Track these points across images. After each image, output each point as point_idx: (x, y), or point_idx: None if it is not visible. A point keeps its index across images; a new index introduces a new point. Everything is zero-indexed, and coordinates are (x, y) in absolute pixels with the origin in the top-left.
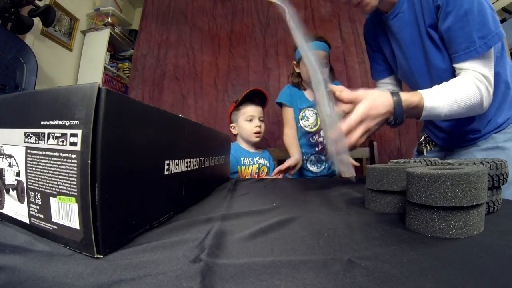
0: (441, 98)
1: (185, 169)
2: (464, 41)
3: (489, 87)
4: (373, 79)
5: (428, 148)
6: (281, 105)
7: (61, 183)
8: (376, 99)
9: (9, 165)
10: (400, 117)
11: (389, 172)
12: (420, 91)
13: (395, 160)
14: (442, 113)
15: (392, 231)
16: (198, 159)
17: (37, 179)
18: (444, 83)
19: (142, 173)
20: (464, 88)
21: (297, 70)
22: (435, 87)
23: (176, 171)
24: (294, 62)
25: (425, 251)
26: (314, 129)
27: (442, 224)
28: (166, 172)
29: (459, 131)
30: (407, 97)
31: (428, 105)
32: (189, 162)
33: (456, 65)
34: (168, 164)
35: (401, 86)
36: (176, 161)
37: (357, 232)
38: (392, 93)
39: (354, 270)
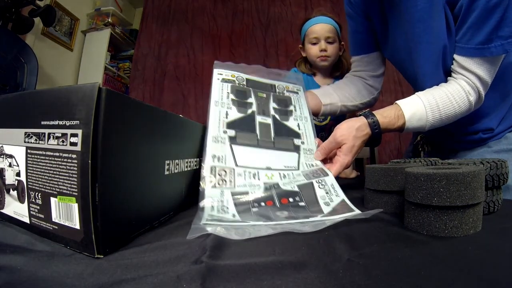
0: (425, 116)
1: (185, 169)
2: (481, 35)
3: (483, 92)
4: (352, 54)
5: (426, 149)
6: None
7: (61, 183)
8: (352, 135)
9: (10, 165)
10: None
11: (386, 172)
12: (401, 106)
13: (395, 160)
14: (425, 129)
15: (389, 230)
16: (198, 159)
17: (38, 179)
18: (433, 94)
19: (142, 173)
20: (453, 104)
21: (303, 54)
22: (420, 98)
23: (176, 171)
24: (300, 46)
25: (419, 249)
26: (324, 123)
27: (437, 223)
28: (166, 172)
29: (466, 129)
30: (385, 120)
31: (410, 126)
32: (189, 162)
33: (458, 57)
34: (168, 164)
35: (384, 69)
36: (176, 161)
37: (356, 231)
38: (366, 116)
39: (353, 269)
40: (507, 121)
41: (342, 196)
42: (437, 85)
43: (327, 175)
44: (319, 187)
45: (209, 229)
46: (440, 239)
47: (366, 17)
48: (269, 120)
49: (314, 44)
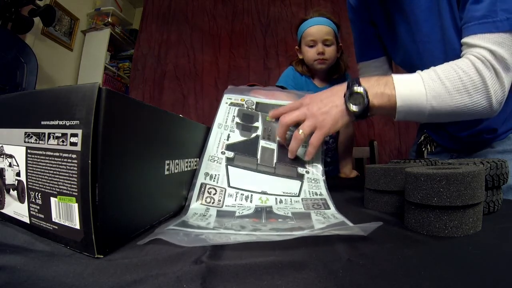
0: (419, 78)
1: (185, 169)
2: (482, 9)
3: (501, 70)
4: (359, 61)
5: (429, 149)
6: None
7: (61, 183)
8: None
9: (10, 165)
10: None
11: (386, 172)
12: (394, 75)
13: (395, 160)
14: (426, 109)
15: (389, 230)
16: (198, 159)
17: (38, 179)
18: (432, 68)
19: (142, 173)
20: (457, 71)
21: (300, 56)
22: (417, 72)
23: (176, 171)
24: (297, 47)
25: (419, 249)
26: None
27: (437, 223)
28: (166, 172)
29: (469, 131)
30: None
31: (402, 90)
32: (189, 162)
33: (464, 40)
34: (168, 164)
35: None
36: (176, 161)
37: None
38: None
39: (353, 269)
40: (511, 121)
41: (342, 218)
42: None
43: (329, 208)
44: (317, 215)
45: (162, 236)
46: (440, 239)
47: (371, 23)
48: (273, 146)
49: (311, 46)
